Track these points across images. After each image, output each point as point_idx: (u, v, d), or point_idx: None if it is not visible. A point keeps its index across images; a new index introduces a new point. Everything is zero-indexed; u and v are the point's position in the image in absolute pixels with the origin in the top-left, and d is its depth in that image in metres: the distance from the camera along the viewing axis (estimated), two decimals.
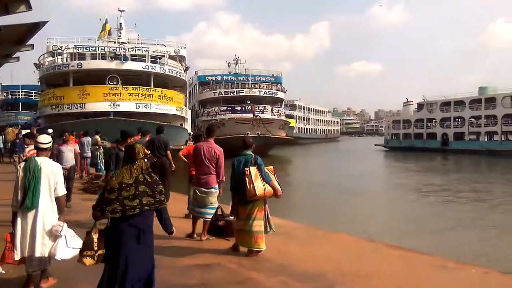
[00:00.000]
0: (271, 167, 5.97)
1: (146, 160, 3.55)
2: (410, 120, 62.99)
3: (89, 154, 15.49)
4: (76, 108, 25.38)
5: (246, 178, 5.59)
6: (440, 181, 24.75)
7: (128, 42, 32.43)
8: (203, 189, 6.45)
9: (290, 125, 53.60)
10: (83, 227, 3.60)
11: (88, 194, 11.03)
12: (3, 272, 4.31)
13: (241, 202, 5.79)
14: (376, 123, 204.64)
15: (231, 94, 47.39)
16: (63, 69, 26.88)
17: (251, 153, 5.91)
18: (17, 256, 4.18)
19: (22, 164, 4.39)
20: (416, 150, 54.50)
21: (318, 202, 17.10)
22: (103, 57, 27.35)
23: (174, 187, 9.73)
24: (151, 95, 27.01)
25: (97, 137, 16.10)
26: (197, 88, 50.79)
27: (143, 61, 27.93)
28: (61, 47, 28.46)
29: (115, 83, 26.11)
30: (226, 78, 51.39)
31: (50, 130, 14.88)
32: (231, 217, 6.49)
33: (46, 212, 4.28)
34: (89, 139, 15.64)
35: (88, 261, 3.42)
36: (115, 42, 31.67)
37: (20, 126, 29.55)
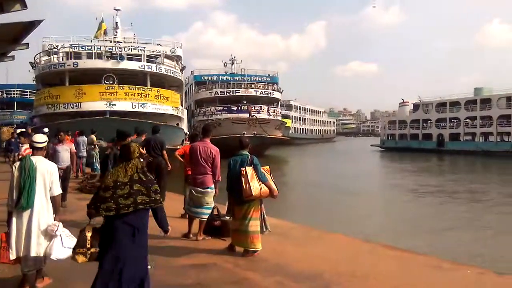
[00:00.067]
0: (267, 167, 5.96)
1: (142, 160, 3.55)
2: (406, 120, 63.16)
3: (85, 154, 15.43)
4: (72, 108, 25.25)
5: (242, 178, 5.59)
6: (436, 181, 24.84)
7: (124, 42, 32.29)
8: (199, 189, 6.45)
9: (286, 125, 53.65)
10: (78, 227, 3.58)
11: (84, 194, 10.99)
12: None
13: (237, 202, 5.79)
14: (372, 124, 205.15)
15: (227, 94, 47.34)
16: (59, 68, 26.74)
17: (247, 153, 5.91)
18: (12, 256, 4.17)
19: (18, 163, 4.37)
20: (412, 150, 54.68)
21: (314, 203, 17.13)
22: (99, 56, 27.27)
23: (170, 187, 9.72)
24: (148, 95, 26.92)
25: (93, 136, 16.04)
26: (193, 88, 50.75)
27: (139, 60, 27.85)
28: (57, 46, 28.30)
29: (111, 82, 26.02)
30: (222, 78, 51.31)
31: (46, 129, 14.81)
32: (227, 217, 6.49)
33: (42, 211, 4.26)
34: (85, 138, 15.58)
35: (80, 258, 3.42)
36: (111, 41, 31.59)
37: (15, 125, 29.43)
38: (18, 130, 18.36)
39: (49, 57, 28.05)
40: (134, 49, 29.62)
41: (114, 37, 33.26)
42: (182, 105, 32.68)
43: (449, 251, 8.85)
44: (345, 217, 13.52)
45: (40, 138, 4.55)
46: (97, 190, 3.45)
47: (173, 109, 28.79)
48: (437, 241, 10.83)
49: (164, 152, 8.84)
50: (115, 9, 34.60)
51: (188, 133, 25.26)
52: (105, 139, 15.14)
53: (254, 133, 36.55)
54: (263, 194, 5.68)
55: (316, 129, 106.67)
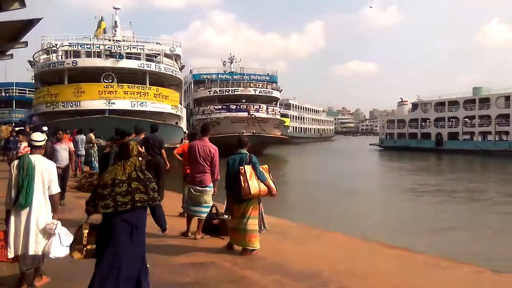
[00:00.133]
0: (266, 166, 5.97)
1: (140, 158, 3.55)
2: (405, 120, 63.18)
3: (83, 152, 15.42)
4: (71, 106, 25.22)
5: (241, 177, 5.59)
6: (434, 180, 24.86)
7: (123, 40, 32.31)
8: (198, 187, 6.45)
9: (285, 124, 53.64)
10: (77, 225, 3.58)
11: (82, 192, 10.98)
12: None
13: (236, 201, 5.79)
14: (370, 123, 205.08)
15: (226, 93, 47.28)
16: (58, 66, 26.72)
17: (246, 152, 5.92)
18: (11, 254, 4.16)
19: (16, 161, 4.37)
20: (411, 149, 54.66)
21: (313, 201, 17.12)
22: (98, 55, 27.25)
23: (169, 186, 9.71)
24: (147, 93, 26.91)
25: (91, 135, 16.03)
26: (192, 87, 50.73)
27: (139, 59, 27.86)
28: (56, 44, 28.30)
29: (110, 81, 25.99)
30: (221, 76, 51.23)
31: (45, 128, 14.79)
32: (226, 216, 6.50)
33: (40, 210, 4.26)
34: (83, 137, 15.57)
35: (76, 254, 3.42)
36: (110, 40, 31.59)
37: (13, 124, 29.41)
38: (17, 129, 18.36)
39: (48, 56, 28.04)
40: (133, 47, 29.63)
41: (113, 36, 33.26)
42: (181, 104, 32.67)
43: (447, 250, 8.85)
44: (344, 216, 13.51)
45: (39, 137, 4.55)
46: (96, 188, 3.45)
47: (172, 108, 28.80)
48: (435, 240, 10.84)
49: (163, 150, 8.83)
50: (114, 8, 34.63)
51: (187, 131, 25.29)
52: (104, 137, 15.13)
53: (253, 132, 36.50)
54: (262, 193, 5.68)
55: (314, 128, 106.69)
